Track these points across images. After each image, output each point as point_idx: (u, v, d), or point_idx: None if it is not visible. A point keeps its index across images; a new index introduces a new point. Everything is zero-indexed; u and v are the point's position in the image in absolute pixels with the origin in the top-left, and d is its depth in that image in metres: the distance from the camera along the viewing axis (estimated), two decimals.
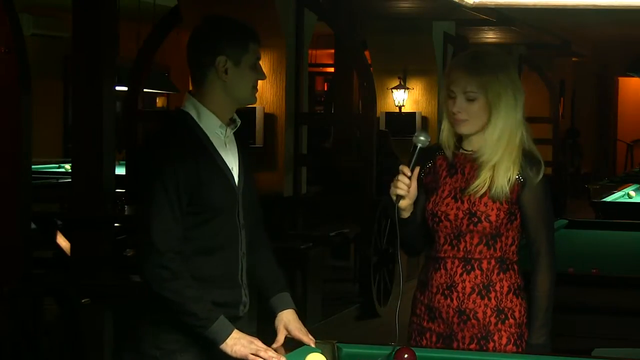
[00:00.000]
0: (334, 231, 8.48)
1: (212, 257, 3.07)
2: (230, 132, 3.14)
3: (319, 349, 2.99)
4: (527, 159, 3.24)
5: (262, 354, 2.90)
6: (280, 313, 3.20)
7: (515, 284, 3.26)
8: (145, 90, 9.87)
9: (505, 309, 3.23)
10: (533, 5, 11.32)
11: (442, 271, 3.26)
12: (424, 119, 12.49)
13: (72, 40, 6.33)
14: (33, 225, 5.91)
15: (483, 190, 3.22)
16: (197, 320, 2.94)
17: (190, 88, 3.21)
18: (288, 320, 3.18)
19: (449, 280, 3.25)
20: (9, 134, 5.51)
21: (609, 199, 8.74)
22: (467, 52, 3.34)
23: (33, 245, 5.81)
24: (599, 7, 11.05)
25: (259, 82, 3.15)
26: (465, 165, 3.29)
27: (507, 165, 3.21)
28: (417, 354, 2.86)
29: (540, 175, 3.24)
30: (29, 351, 5.37)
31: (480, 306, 3.22)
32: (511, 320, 3.23)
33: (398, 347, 2.89)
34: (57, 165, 11.97)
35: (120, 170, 8.66)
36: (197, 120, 3.08)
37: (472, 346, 3.22)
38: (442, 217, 3.25)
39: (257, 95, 3.17)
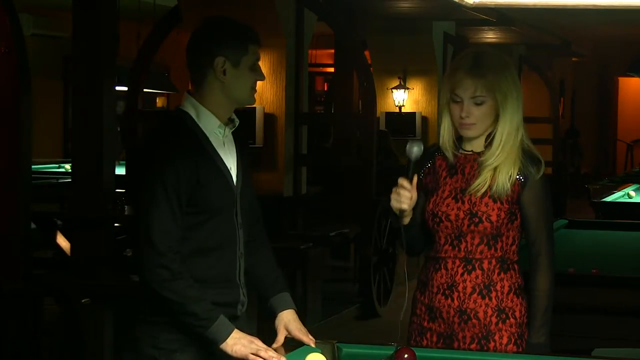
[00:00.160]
0: (334, 231, 8.48)
1: (209, 257, 3.07)
2: (228, 132, 3.14)
3: (319, 349, 2.99)
4: (528, 157, 3.24)
5: (262, 353, 2.90)
6: (280, 313, 3.20)
7: (516, 284, 3.27)
8: (145, 90, 9.88)
9: (506, 309, 3.23)
10: (533, 5, 11.32)
11: (443, 271, 3.26)
12: (424, 118, 12.50)
13: (72, 40, 6.33)
14: (33, 225, 5.90)
15: (484, 190, 3.22)
16: (198, 320, 2.95)
17: (190, 88, 3.21)
18: (288, 320, 3.18)
19: (449, 280, 3.25)
20: (9, 134, 5.50)
21: (609, 199, 8.74)
22: (466, 54, 3.31)
23: (33, 245, 5.80)
24: (599, 7, 11.04)
25: (259, 82, 3.16)
26: (465, 165, 3.29)
27: (508, 165, 3.21)
28: (417, 354, 2.86)
29: (541, 174, 3.24)
30: (29, 351, 5.37)
31: (481, 306, 3.22)
32: (512, 320, 3.23)
33: (399, 347, 2.89)
34: (57, 165, 11.96)
35: (120, 170, 8.66)
36: (196, 120, 3.08)
37: (473, 346, 3.22)
38: (443, 218, 3.25)
39: (257, 95, 3.17)
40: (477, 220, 3.21)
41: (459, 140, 3.32)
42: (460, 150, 3.31)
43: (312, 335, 3.12)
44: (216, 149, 3.09)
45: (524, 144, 3.27)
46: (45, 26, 12.26)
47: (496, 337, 3.22)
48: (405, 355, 2.84)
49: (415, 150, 3.14)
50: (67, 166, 11.00)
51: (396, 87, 12.46)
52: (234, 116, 3.17)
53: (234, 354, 2.93)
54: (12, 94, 5.45)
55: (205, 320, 2.94)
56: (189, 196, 2.99)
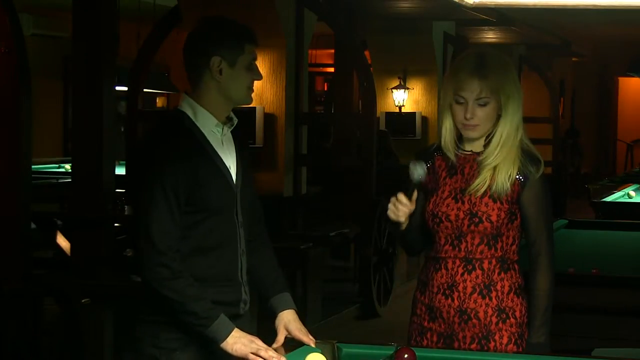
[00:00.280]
0: (334, 231, 8.48)
1: (210, 256, 3.08)
2: (227, 131, 3.15)
3: (319, 349, 2.99)
4: (527, 157, 3.24)
5: (262, 353, 2.90)
6: (280, 313, 3.20)
7: (516, 284, 3.27)
8: (145, 90, 9.87)
9: (507, 309, 3.23)
10: (533, 5, 11.32)
11: (443, 271, 3.26)
12: (424, 118, 12.50)
13: (72, 40, 6.33)
14: (33, 225, 5.90)
15: (483, 189, 3.22)
16: (198, 319, 2.95)
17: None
18: (288, 321, 3.18)
19: (449, 280, 3.25)
20: (9, 134, 5.50)
21: (609, 199, 8.74)
22: (468, 55, 3.31)
23: (33, 245, 5.80)
24: (599, 7, 11.04)
25: (259, 82, 3.16)
26: (465, 165, 3.29)
27: (507, 164, 3.22)
28: (417, 354, 2.86)
29: (540, 173, 3.24)
30: (29, 351, 5.37)
31: (481, 306, 3.22)
32: (512, 320, 3.23)
33: (399, 347, 2.89)
34: (57, 165, 11.96)
35: (120, 170, 8.66)
36: (193, 119, 3.09)
37: (473, 346, 3.22)
38: (443, 218, 3.25)
39: (257, 95, 3.19)
40: (477, 220, 3.21)
41: (458, 140, 3.32)
42: (460, 151, 3.31)
43: (312, 335, 3.12)
44: (214, 148, 3.10)
45: (523, 143, 3.27)
46: (45, 26, 12.26)
47: (496, 337, 3.22)
48: (405, 355, 2.84)
49: (418, 172, 3.15)
50: (67, 166, 11.00)
51: (396, 87, 12.46)
52: (232, 115, 3.18)
53: (234, 353, 2.93)
54: (12, 94, 5.45)
55: (205, 319, 2.94)
56: (188, 195, 3.00)
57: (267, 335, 3.10)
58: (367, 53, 11.85)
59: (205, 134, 3.09)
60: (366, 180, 9.02)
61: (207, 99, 3.10)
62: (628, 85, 23.48)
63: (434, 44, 12.39)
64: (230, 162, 3.14)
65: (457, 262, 3.24)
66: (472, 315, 3.22)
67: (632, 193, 9.15)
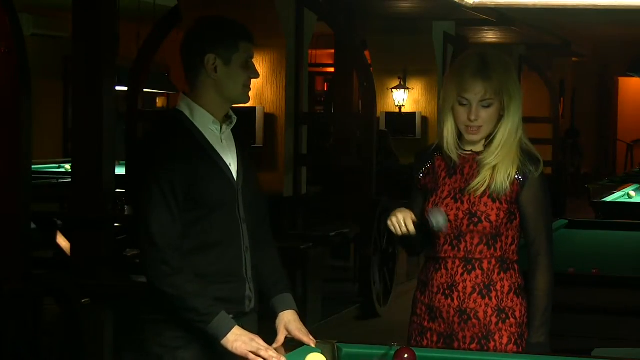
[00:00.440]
0: (334, 231, 8.48)
1: (211, 252, 3.08)
2: (226, 129, 3.16)
3: (319, 349, 2.99)
4: (526, 156, 3.24)
5: (262, 353, 2.90)
6: (281, 313, 3.20)
7: (516, 284, 3.27)
8: (145, 90, 9.87)
9: (506, 309, 3.23)
10: (533, 5, 11.33)
11: (443, 271, 3.27)
12: (424, 118, 12.50)
13: (72, 40, 6.33)
14: (33, 225, 5.90)
15: (483, 189, 3.22)
16: (198, 316, 2.95)
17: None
18: (288, 321, 3.18)
19: (449, 280, 3.25)
20: (9, 134, 5.50)
21: (609, 199, 8.74)
22: (469, 56, 3.29)
23: (33, 245, 5.80)
24: (599, 7, 11.05)
25: (259, 81, 3.17)
26: (465, 165, 3.29)
27: (507, 164, 3.22)
28: (417, 354, 2.86)
29: (540, 172, 3.24)
30: (29, 351, 5.36)
31: (481, 306, 3.22)
32: (512, 320, 3.23)
33: (398, 347, 2.89)
34: (57, 165, 11.96)
35: (120, 170, 8.66)
36: (190, 118, 3.11)
37: (473, 346, 3.22)
38: None
39: (257, 95, 3.19)
40: (476, 220, 3.21)
41: (458, 140, 3.32)
42: (460, 151, 3.31)
43: (312, 335, 3.12)
44: (213, 145, 3.11)
45: (523, 143, 3.27)
46: (45, 26, 12.26)
47: (496, 337, 3.22)
48: (405, 355, 2.84)
49: (442, 223, 3.13)
50: (67, 166, 11.00)
51: (396, 87, 12.46)
52: (231, 113, 3.19)
53: (234, 351, 2.93)
54: (12, 94, 5.45)
55: (206, 315, 2.95)
56: (187, 192, 3.01)
57: (268, 335, 3.10)
58: (367, 53, 11.85)
59: (204, 132, 3.10)
60: (366, 180, 9.02)
61: (204, 97, 3.11)
62: (628, 85, 23.49)
63: (434, 44, 12.40)
64: (231, 160, 3.15)
65: (457, 262, 3.25)
66: (471, 315, 3.22)
67: (632, 193, 9.15)
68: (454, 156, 3.28)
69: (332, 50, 13.14)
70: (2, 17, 5.35)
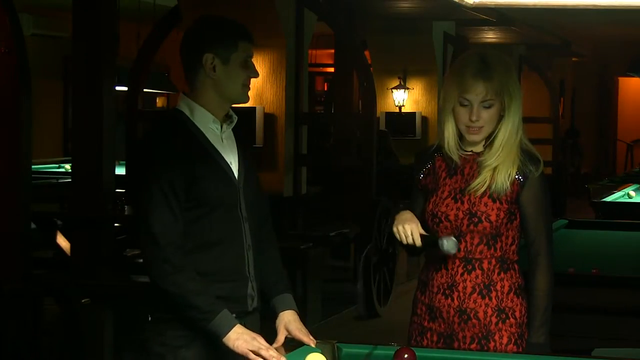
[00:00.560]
0: (334, 231, 8.48)
1: (213, 251, 3.09)
2: (226, 128, 3.16)
3: (319, 349, 2.99)
4: (526, 156, 3.24)
5: (263, 352, 2.90)
6: (281, 313, 3.20)
7: (516, 284, 3.27)
8: (145, 90, 9.88)
9: (506, 309, 3.23)
10: (533, 5, 11.33)
11: (443, 271, 3.27)
12: (424, 118, 12.50)
13: (72, 40, 6.33)
14: (33, 225, 5.90)
15: (483, 189, 3.22)
16: (200, 313, 2.95)
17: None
18: (288, 321, 3.18)
19: (449, 280, 3.25)
20: (9, 134, 5.50)
21: (609, 199, 8.74)
22: (469, 56, 3.28)
23: (33, 245, 5.80)
24: (599, 7, 11.05)
25: (260, 82, 3.17)
26: (465, 166, 3.29)
27: (507, 164, 3.22)
28: (417, 354, 2.86)
29: (540, 172, 3.24)
30: (29, 351, 5.37)
31: (481, 306, 3.22)
32: (512, 320, 3.23)
33: (398, 347, 2.89)
34: (57, 165, 11.96)
35: (120, 170, 8.65)
36: (190, 117, 3.11)
37: (473, 346, 3.22)
38: (442, 218, 3.25)
39: (257, 95, 3.20)
40: (476, 220, 3.21)
41: (459, 140, 3.32)
42: (461, 151, 3.31)
43: (312, 335, 3.12)
44: (213, 144, 3.11)
45: (522, 143, 3.27)
46: (45, 26, 12.26)
47: (496, 337, 3.22)
48: (405, 356, 2.84)
49: (453, 246, 3.12)
50: (67, 166, 11.00)
51: (396, 87, 12.46)
52: (231, 112, 3.19)
53: (235, 349, 2.93)
54: (12, 94, 5.45)
55: (207, 313, 2.95)
56: (188, 191, 3.02)
57: (268, 335, 3.10)
58: (367, 53, 11.85)
59: (204, 132, 3.11)
60: (366, 180, 9.02)
61: (204, 97, 3.12)
62: (628, 85, 23.49)
63: (434, 44, 12.40)
64: (232, 159, 3.15)
65: (457, 262, 3.25)
66: (471, 315, 3.22)
67: (632, 193, 9.15)
68: (455, 157, 3.28)
69: (332, 50, 13.15)
70: (2, 17, 5.36)
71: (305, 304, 7.77)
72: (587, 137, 21.71)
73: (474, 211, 3.21)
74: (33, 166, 5.93)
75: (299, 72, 8.89)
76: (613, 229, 6.59)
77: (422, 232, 3.18)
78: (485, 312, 3.22)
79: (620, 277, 4.73)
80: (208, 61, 3.07)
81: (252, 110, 8.37)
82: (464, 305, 3.23)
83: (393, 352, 2.86)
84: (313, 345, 3.05)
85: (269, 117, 8.64)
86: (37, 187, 8.13)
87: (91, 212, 6.21)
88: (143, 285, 5.82)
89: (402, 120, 12.43)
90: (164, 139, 3.07)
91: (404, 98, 12.46)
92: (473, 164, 3.27)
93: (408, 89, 12.48)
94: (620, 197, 9.00)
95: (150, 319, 3.14)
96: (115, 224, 6.60)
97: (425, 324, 3.31)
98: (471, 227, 3.21)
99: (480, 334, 3.23)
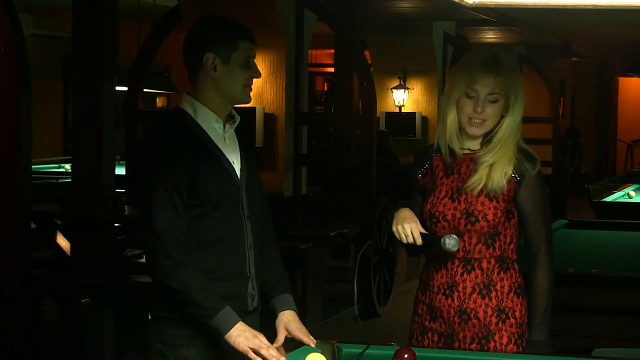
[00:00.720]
0: (334, 231, 8.48)
1: (215, 249, 3.09)
2: (229, 128, 3.17)
3: (319, 349, 2.99)
4: (523, 155, 3.25)
5: (263, 351, 2.90)
6: (280, 313, 3.20)
7: (516, 284, 3.27)
8: (145, 90, 9.87)
9: (506, 309, 3.23)
10: (533, 5, 11.31)
11: (443, 271, 3.27)
12: (424, 118, 12.50)
13: (72, 40, 6.33)
14: (33, 225, 5.90)
15: (480, 187, 3.22)
16: (202, 310, 2.96)
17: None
18: (288, 321, 3.18)
19: (449, 280, 3.25)
20: (9, 134, 5.50)
21: (609, 199, 8.74)
22: (480, 51, 3.31)
23: (33, 245, 5.80)
24: (599, 7, 11.03)
25: (259, 81, 3.17)
26: (462, 165, 3.29)
27: (503, 162, 3.23)
28: (418, 353, 2.86)
29: (536, 170, 3.25)
30: (29, 351, 5.36)
31: (481, 306, 3.22)
32: (512, 320, 3.24)
33: (398, 347, 2.89)
34: (57, 165, 11.96)
35: (120, 170, 8.65)
36: (194, 117, 3.12)
37: (473, 346, 3.22)
38: (440, 218, 3.25)
39: (257, 95, 3.20)
40: (473, 219, 3.21)
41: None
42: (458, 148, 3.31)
43: (312, 335, 3.12)
44: (216, 143, 3.12)
45: (519, 142, 3.28)
46: (45, 26, 12.25)
47: (496, 337, 3.23)
48: (405, 356, 2.84)
49: (455, 245, 3.12)
50: (67, 166, 11.00)
51: (396, 87, 12.47)
52: (233, 112, 3.19)
53: (236, 346, 2.93)
54: (12, 94, 5.45)
55: (209, 310, 2.95)
56: (190, 188, 3.03)
57: (268, 335, 3.10)
58: (367, 53, 11.85)
59: (207, 131, 3.12)
60: (366, 180, 9.02)
61: (206, 97, 3.13)
62: (628, 85, 23.48)
63: (434, 44, 12.40)
64: (234, 158, 3.16)
65: (457, 262, 3.25)
66: (471, 315, 3.23)
67: (632, 193, 9.15)
68: (456, 148, 3.28)
69: (332, 50, 13.14)
70: (2, 17, 5.35)
71: (305, 304, 7.77)
72: (587, 137, 21.70)
73: (471, 210, 3.22)
74: (33, 166, 5.92)
75: (299, 72, 8.89)
76: (613, 229, 6.59)
77: (422, 230, 3.19)
78: (485, 312, 3.22)
79: (620, 277, 4.73)
80: (209, 61, 3.08)
81: (252, 110, 8.37)
82: (464, 306, 3.23)
83: (393, 352, 2.86)
84: (313, 345, 3.05)
85: (269, 117, 8.63)
86: (37, 187, 8.13)
87: (91, 212, 6.21)
88: (143, 285, 5.83)
89: (402, 120, 12.43)
90: (167, 137, 3.08)
91: (404, 98, 12.46)
92: (470, 163, 3.28)
93: (408, 89, 12.48)
94: (620, 197, 8.99)
95: (150, 317, 3.14)
96: (115, 224, 6.60)
97: (426, 324, 3.31)
98: (469, 226, 3.22)
99: (480, 334, 3.23)
